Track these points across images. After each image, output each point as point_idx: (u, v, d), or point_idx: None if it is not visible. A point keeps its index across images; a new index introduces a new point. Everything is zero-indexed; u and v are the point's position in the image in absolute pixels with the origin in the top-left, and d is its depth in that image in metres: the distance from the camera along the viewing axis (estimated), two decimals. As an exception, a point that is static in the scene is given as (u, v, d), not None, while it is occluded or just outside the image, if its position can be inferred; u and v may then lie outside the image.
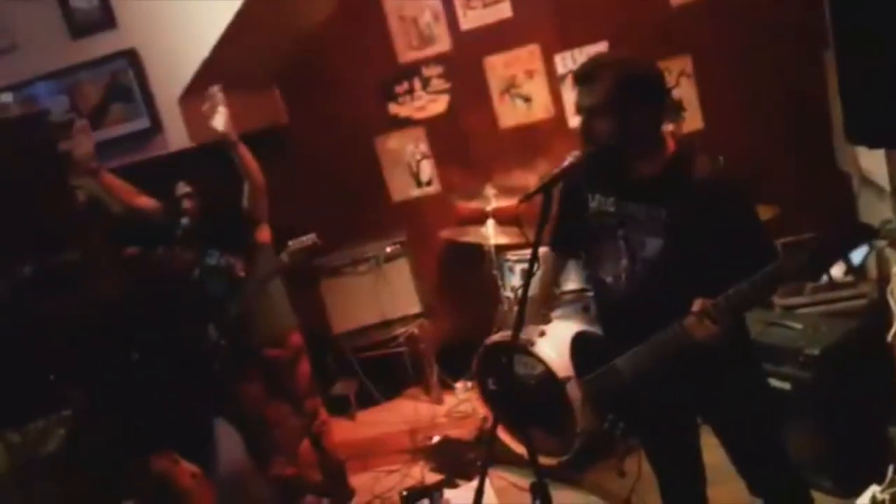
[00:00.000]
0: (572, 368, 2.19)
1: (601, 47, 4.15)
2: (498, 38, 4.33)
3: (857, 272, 2.89)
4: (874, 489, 2.24)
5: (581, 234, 2.10)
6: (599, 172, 1.99)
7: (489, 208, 4.01)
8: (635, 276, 1.96)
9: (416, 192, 4.64)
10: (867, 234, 1.70)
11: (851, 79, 1.64)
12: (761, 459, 2.07)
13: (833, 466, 2.65)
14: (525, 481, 3.06)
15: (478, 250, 4.08)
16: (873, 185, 3.12)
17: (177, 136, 3.86)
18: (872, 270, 3.30)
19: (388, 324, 4.34)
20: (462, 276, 4.52)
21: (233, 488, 2.39)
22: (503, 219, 4.02)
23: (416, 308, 4.38)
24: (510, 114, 4.41)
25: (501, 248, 3.98)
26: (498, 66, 4.37)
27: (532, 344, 3.25)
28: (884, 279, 2.99)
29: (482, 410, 3.72)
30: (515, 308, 3.87)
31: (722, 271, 1.78)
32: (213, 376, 2.96)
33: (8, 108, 4.21)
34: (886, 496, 2.20)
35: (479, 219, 4.09)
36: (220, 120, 3.04)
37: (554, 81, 4.30)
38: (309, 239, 3.11)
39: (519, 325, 1.90)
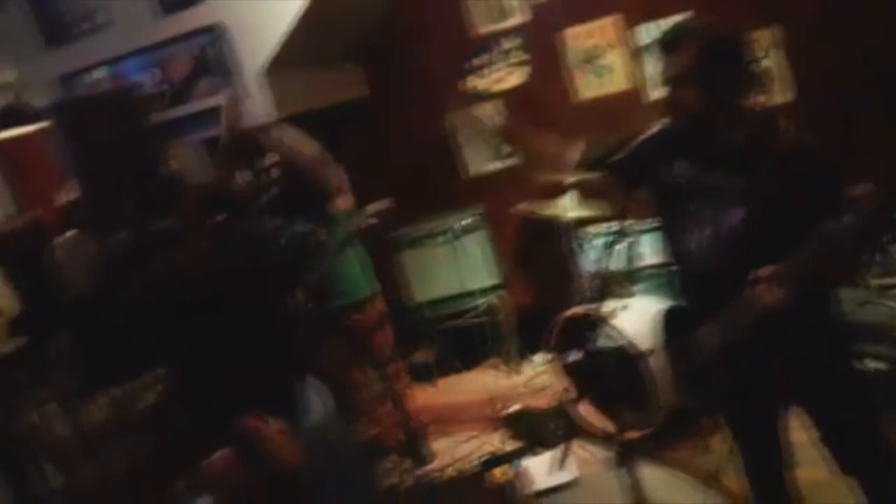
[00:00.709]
0: (657, 342, 2.18)
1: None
2: (577, 8, 4.26)
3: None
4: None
5: (645, 181, 2.08)
6: (684, 141, 1.97)
7: (567, 181, 3.99)
8: (718, 245, 1.94)
9: (493, 165, 4.64)
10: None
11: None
12: (855, 440, 2.02)
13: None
14: (606, 454, 3.09)
15: (555, 224, 4.07)
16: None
17: (262, 108, 3.97)
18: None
19: (466, 295, 4.40)
20: (540, 249, 4.52)
21: (320, 445, 2.50)
22: (582, 192, 3.99)
23: (494, 279, 4.41)
24: (589, 86, 4.35)
25: (579, 222, 3.96)
26: (577, 38, 4.31)
27: (613, 317, 3.24)
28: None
29: (560, 382, 3.74)
30: (594, 281, 3.91)
31: (804, 240, 1.75)
32: (298, 339, 3.08)
33: (102, 83, 4.42)
34: None
35: (557, 192, 4.07)
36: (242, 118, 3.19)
37: (634, 53, 4.22)
38: (384, 204, 3.24)
39: (600, 298, 1.91)
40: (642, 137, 1.90)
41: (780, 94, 3.97)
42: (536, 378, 4.24)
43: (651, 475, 3.05)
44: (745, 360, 1.95)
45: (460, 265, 4.36)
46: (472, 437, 3.75)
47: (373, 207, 3.25)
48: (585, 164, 2.08)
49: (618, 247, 3.54)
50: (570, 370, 3.60)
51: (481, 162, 4.65)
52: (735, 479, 2.38)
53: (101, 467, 3.54)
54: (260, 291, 3.48)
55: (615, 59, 4.25)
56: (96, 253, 5.08)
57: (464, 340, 4.55)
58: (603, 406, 3.25)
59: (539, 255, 4.53)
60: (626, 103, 4.24)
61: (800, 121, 1.94)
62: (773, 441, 2.14)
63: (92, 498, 3.26)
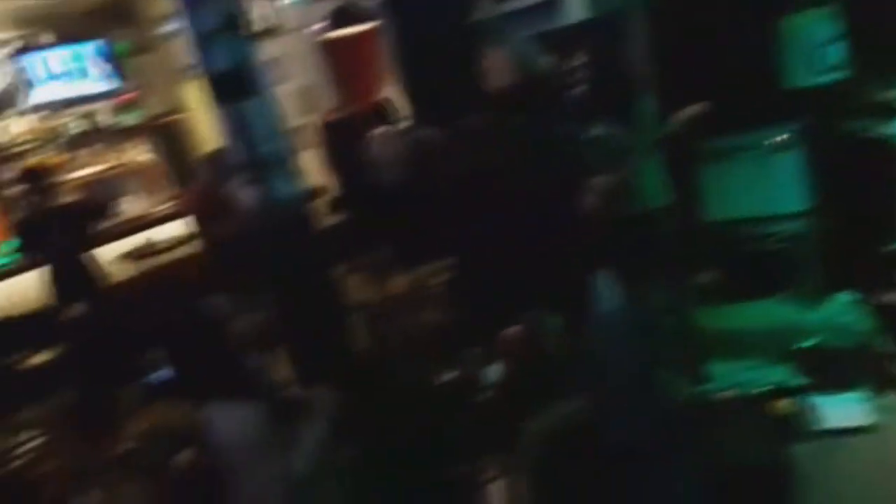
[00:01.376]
0: None
1: None
2: None
3: None
4: None
5: None
6: None
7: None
8: None
9: (818, 78, 4.16)
10: None
11: None
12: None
13: None
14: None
15: (887, 145, 3.58)
16: None
17: (575, 7, 3.95)
18: None
19: (769, 218, 4.09)
20: (863, 174, 4.03)
21: (610, 333, 2.59)
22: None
23: (802, 205, 4.05)
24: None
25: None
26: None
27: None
28: None
29: (864, 323, 3.39)
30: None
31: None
32: (593, 235, 3.14)
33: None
34: None
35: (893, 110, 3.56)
36: None
37: None
38: (697, 109, 3.09)
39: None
40: None
41: None
42: (838, 316, 3.87)
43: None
44: None
45: (768, 185, 4.05)
46: (758, 366, 3.57)
47: (686, 112, 3.12)
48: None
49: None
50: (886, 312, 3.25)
51: (805, 73, 4.19)
52: None
53: (401, 331, 3.98)
54: (558, 190, 3.58)
55: None
56: (410, 145, 5.54)
57: (760, 267, 4.27)
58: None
59: (863, 180, 4.04)
60: None
61: None
62: None
63: (394, 354, 3.67)
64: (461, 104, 3.96)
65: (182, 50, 8.50)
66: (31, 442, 3.24)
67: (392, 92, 6.25)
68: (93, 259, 5.26)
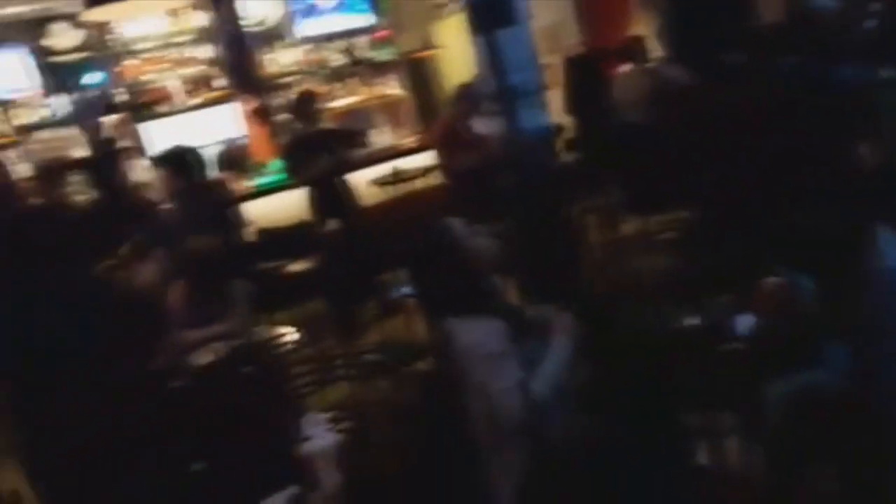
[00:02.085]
0: None
1: None
2: None
3: None
4: None
5: None
6: None
7: None
8: None
9: None
10: None
11: None
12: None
13: None
14: None
15: None
16: None
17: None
18: None
19: None
20: None
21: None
22: None
23: None
24: None
25: None
26: None
27: None
28: None
29: None
30: None
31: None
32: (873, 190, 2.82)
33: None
34: None
35: None
36: None
37: None
38: None
39: None
40: None
41: None
42: None
43: None
44: None
45: None
46: None
47: None
48: None
49: None
50: None
51: None
52: None
53: (634, 274, 3.92)
54: (830, 137, 3.25)
55: None
56: (659, 84, 5.32)
57: None
58: None
59: None
60: None
61: None
62: None
63: (626, 296, 3.61)
64: (723, 41, 3.70)
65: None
66: (285, 337, 3.62)
67: (644, 29, 6.00)
68: (347, 182, 5.71)
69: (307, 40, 8.15)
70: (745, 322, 2.42)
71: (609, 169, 4.81)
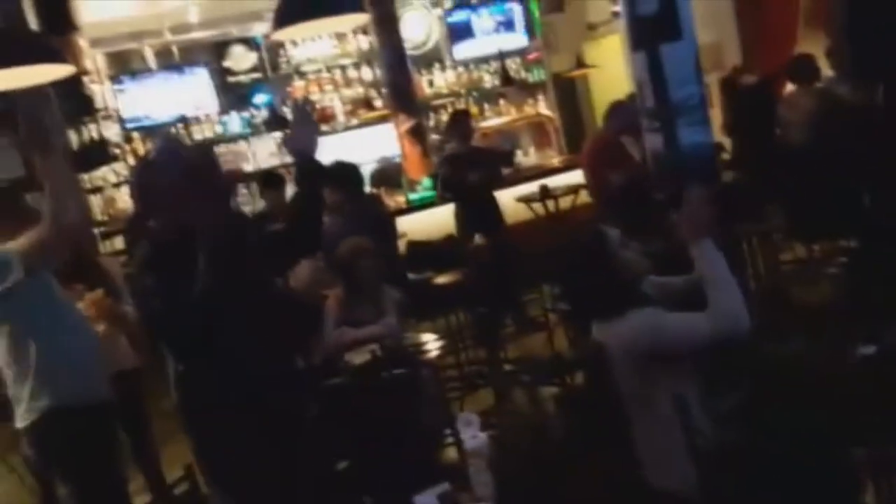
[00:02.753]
0: None
1: None
2: None
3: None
4: None
5: None
6: None
7: None
8: None
9: None
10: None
11: None
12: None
13: None
14: None
15: None
16: None
17: None
18: None
19: None
20: None
21: None
22: None
23: None
24: None
25: None
26: None
27: None
28: None
29: None
30: None
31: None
32: None
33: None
34: None
35: None
36: None
37: None
38: None
39: None
40: None
41: None
42: None
43: None
44: None
45: None
46: None
47: None
48: None
49: None
50: None
51: None
52: None
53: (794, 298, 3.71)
54: None
55: None
56: (829, 106, 5.03)
57: None
58: None
59: None
60: None
61: None
62: None
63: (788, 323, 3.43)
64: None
65: (591, 7, 8.79)
66: (432, 344, 3.71)
67: (811, 48, 5.70)
68: (495, 199, 5.80)
69: (462, 62, 8.39)
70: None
71: (772, 192, 4.59)
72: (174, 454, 3.63)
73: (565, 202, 6.00)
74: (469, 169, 5.57)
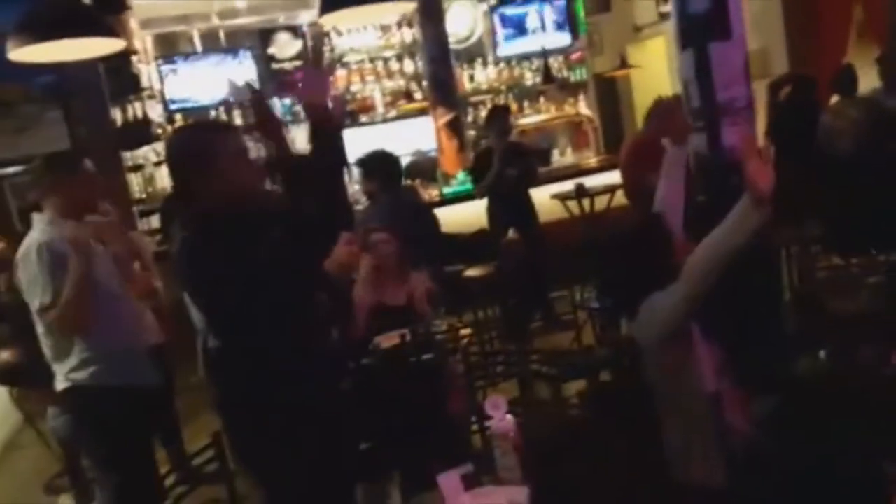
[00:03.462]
0: None
1: None
2: None
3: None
4: None
5: None
6: None
7: None
8: None
9: None
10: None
11: None
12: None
13: None
14: None
15: None
16: None
17: None
18: None
19: None
20: None
21: None
22: None
23: None
24: None
25: None
26: None
27: None
28: None
29: None
30: None
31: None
32: None
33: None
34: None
35: None
36: None
37: None
38: None
39: None
40: None
41: None
42: None
43: None
44: None
45: None
46: None
47: None
48: None
49: None
50: None
51: None
52: None
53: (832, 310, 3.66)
54: None
55: None
56: (873, 116, 4.95)
57: None
58: None
59: None
60: None
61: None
62: None
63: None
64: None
65: (637, 9, 8.73)
66: (462, 332, 3.71)
67: (862, 59, 5.60)
68: (529, 196, 5.79)
69: (505, 59, 8.38)
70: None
71: (811, 201, 4.53)
72: (197, 430, 3.70)
73: (601, 202, 5.97)
74: (505, 164, 5.57)
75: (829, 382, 2.71)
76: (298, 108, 8.06)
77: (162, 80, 7.66)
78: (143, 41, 7.54)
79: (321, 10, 3.98)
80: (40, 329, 2.79)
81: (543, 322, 5.59)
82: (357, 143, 7.42)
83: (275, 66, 8.14)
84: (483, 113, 7.73)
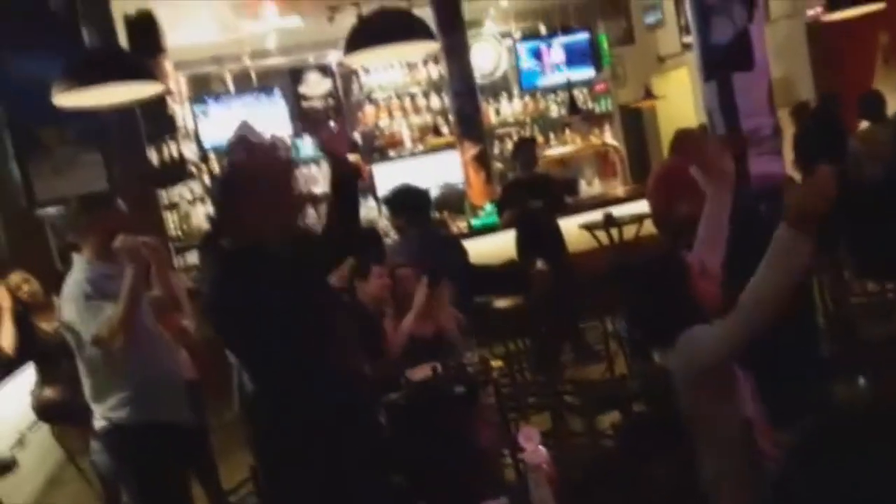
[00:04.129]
0: None
1: None
2: None
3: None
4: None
5: None
6: None
7: None
8: None
9: None
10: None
11: None
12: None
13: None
14: None
15: None
16: None
17: None
18: None
19: None
20: None
21: None
22: None
23: None
24: None
25: None
26: None
27: None
28: None
29: None
30: None
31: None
32: None
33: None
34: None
35: None
36: None
37: None
38: None
39: None
40: None
41: None
42: None
43: None
44: None
45: None
46: None
47: None
48: None
49: None
50: None
51: None
52: None
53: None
54: None
55: None
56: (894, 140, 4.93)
57: None
58: None
59: None
60: None
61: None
62: None
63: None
64: None
65: (661, 40, 8.80)
66: (492, 365, 3.72)
67: (890, 85, 5.59)
68: (557, 226, 5.81)
69: (530, 91, 8.49)
70: None
71: (843, 227, 4.49)
72: (234, 467, 3.74)
73: (629, 231, 5.97)
74: (532, 195, 5.61)
75: (866, 408, 2.68)
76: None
77: (195, 120, 7.87)
78: (178, 82, 7.77)
79: (346, 50, 4.08)
80: (82, 369, 2.86)
81: (574, 353, 5.57)
82: (386, 177, 7.59)
83: (305, 104, 8.32)
84: (509, 145, 7.82)
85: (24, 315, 4.42)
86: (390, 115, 8.30)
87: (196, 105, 7.94)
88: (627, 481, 2.30)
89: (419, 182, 4.77)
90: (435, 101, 8.34)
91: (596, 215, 6.25)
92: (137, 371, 2.81)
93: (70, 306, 2.75)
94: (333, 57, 8.35)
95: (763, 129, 3.14)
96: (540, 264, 5.71)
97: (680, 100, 8.23)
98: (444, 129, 8.24)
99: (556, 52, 8.38)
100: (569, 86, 8.09)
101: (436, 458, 2.89)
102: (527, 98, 8.54)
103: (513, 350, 4.71)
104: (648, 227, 5.72)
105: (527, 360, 4.92)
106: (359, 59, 4.69)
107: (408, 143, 8.28)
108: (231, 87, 8.37)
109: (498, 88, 8.59)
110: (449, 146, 7.94)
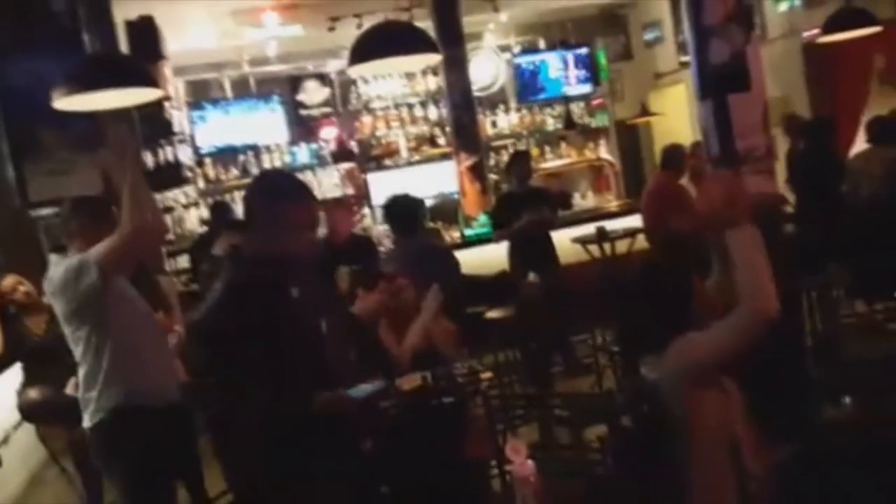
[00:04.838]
0: None
1: None
2: None
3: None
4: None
5: None
6: None
7: None
8: None
9: None
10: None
11: None
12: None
13: None
14: None
15: None
16: None
17: None
18: None
19: None
20: None
21: None
22: None
23: None
24: None
25: None
26: None
27: None
28: None
29: None
30: None
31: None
32: None
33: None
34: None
35: None
36: None
37: None
38: None
39: None
40: None
41: None
42: None
43: None
44: None
45: None
46: None
47: None
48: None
49: None
50: None
51: None
52: None
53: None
54: None
55: None
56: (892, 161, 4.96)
57: None
58: None
59: None
60: None
61: None
62: None
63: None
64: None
65: (659, 56, 8.86)
66: (482, 376, 3.72)
67: (886, 106, 5.63)
68: (550, 239, 5.83)
69: (527, 105, 8.53)
70: None
71: (834, 247, 4.53)
72: (218, 473, 3.72)
73: (622, 245, 6.00)
74: (524, 208, 5.62)
75: (853, 430, 2.69)
76: (323, 152, 8.27)
77: (192, 125, 7.88)
78: (176, 87, 7.78)
79: (350, 61, 4.11)
80: (77, 355, 2.85)
81: (564, 366, 5.58)
82: (381, 186, 7.61)
83: (303, 112, 8.34)
84: (505, 157, 7.84)
85: (15, 316, 4.41)
86: (387, 124, 8.32)
87: (194, 110, 7.95)
88: (613, 496, 2.31)
89: (414, 191, 4.77)
90: (432, 112, 8.37)
91: (589, 229, 6.27)
92: (130, 353, 2.81)
93: (54, 290, 2.76)
94: (332, 66, 8.39)
95: (757, 150, 3.17)
96: (532, 277, 5.72)
97: (676, 116, 8.28)
98: (441, 140, 8.26)
99: (553, 66, 8.43)
100: (566, 100, 8.13)
101: (423, 467, 2.89)
102: (524, 111, 8.58)
103: (502, 361, 4.72)
104: (641, 242, 5.76)
105: (516, 372, 4.93)
106: (362, 70, 4.72)
107: (404, 153, 8.30)
108: (229, 93, 8.39)
109: (495, 101, 8.63)
110: (445, 157, 7.96)
